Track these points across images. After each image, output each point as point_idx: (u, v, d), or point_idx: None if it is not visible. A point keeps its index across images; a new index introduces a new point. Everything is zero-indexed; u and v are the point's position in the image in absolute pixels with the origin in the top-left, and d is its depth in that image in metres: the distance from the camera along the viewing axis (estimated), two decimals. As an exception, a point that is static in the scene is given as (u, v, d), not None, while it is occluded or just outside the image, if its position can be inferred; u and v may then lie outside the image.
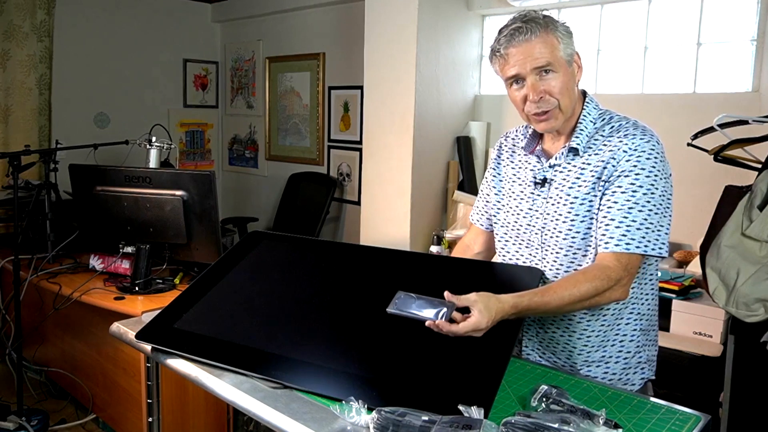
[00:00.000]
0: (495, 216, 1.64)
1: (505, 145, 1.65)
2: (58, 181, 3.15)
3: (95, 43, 4.40)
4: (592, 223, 1.42)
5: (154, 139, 2.97)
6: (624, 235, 1.35)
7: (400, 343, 1.34)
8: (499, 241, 1.63)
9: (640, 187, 1.36)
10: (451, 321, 1.22)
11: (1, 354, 3.17)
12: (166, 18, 4.75)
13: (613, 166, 1.39)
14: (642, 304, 1.50)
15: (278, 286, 1.67)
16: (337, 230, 4.33)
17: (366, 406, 1.15)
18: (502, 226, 1.61)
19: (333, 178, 4.24)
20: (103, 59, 4.44)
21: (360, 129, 3.75)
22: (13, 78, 3.87)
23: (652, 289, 1.53)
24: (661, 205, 1.38)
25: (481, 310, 1.21)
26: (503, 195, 1.61)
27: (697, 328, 2.22)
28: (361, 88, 3.41)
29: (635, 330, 1.50)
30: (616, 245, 1.35)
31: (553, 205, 1.48)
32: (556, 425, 1.06)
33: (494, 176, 1.66)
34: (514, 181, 1.59)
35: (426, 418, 1.07)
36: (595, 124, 1.47)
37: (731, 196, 1.93)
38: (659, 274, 1.69)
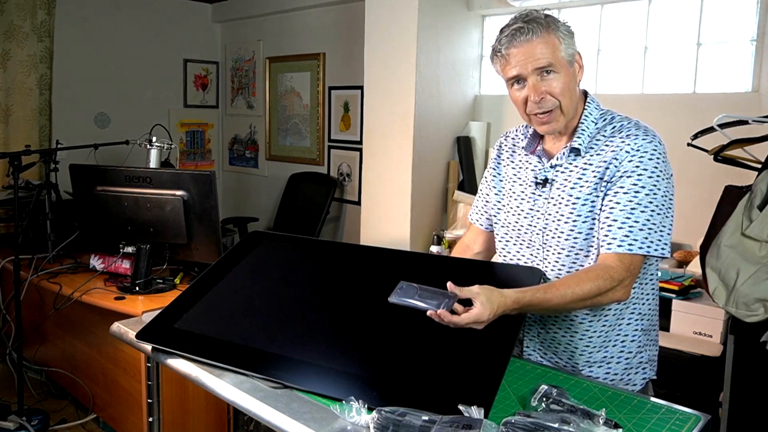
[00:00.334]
0: (495, 216, 1.64)
1: (505, 145, 1.65)
2: (58, 181, 3.15)
3: (96, 43, 4.41)
4: (594, 224, 1.42)
5: (154, 139, 2.97)
6: (627, 236, 1.35)
7: (400, 343, 1.34)
8: (499, 241, 1.63)
9: (643, 187, 1.36)
10: (453, 312, 1.22)
11: (2, 354, 3.17)
12: (166, 18, 4.75)
13: (616, 166, 1.39)
14: (643, 304, 1.50)
15: (278, 286, 1.67)
16: (337, 230, 4.33)
17: (366, 405, 1.15)
18: (502, 226, 1.61)
19: (333, 178, 4.24)
20: (103, 59, 4.45)
21: (360, 129, 3.74)
22: (14, 78, 3.87)
23: (653, 289, 1.53)
24: (663, 205, 1.37)
25: (483, 302, 1.21)
26: (503, 195, 1.61)
27: (697, 328, 2.22)
28: (361, 88, 3.41)
29: (636, 330, 1.50)
30: (619, 246, 1.35)
31: (554, 205, 1.47)
32: (556, 425, 1.06)
33: (494, 176, 1.65)
34: (514, 182, 1.58)
35: (426, 417, 1.08)
36: (596, 124, 1.47)
37: (731, 196, 1.93)
38: (659, 274, 1.69)
